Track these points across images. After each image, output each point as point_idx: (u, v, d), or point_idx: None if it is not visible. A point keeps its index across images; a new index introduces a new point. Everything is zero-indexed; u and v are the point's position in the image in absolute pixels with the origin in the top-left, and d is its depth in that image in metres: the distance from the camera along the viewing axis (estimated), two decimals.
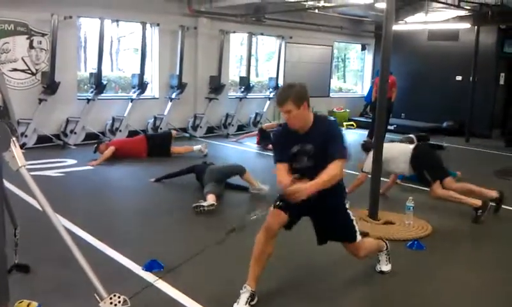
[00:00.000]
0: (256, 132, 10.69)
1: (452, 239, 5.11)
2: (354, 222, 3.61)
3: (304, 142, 3.35)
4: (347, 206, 3.59)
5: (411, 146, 6.08)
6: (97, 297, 2.32)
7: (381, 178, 5.48)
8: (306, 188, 3.14)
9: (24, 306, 3.08)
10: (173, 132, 9.14)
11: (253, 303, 3.33)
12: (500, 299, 3.79)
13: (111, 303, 2.30)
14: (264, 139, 10.07)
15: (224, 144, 10.49)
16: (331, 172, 3.21)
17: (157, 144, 8.65)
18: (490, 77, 12.68)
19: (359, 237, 3.63)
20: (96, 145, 8.29)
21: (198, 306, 3.38)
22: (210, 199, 5.61)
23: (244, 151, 9.91)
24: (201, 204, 5.48)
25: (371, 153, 5.99)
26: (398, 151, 6.08)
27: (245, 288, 3.34)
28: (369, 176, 5.63)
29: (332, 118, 12.47)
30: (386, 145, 6.05)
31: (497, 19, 11.61)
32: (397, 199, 5.96)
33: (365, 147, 6.50)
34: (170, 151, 8.63)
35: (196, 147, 8.78)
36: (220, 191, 6.06)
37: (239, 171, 6.42)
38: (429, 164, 5.85)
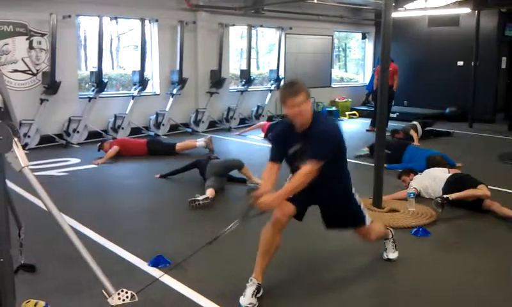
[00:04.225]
0: (259, 125, 10.67)
1: (458, 225, 5.11)
2: (362, 207, 3.64)
3: (304, 141, 3.29)
4: (353, 191, 3.61)
5: (447, 175, 5.70)
6: (105, 293, 2.32)
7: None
8: (273, 199, 3.17)
9: (31, 305, 3.10)
10: (177, 147, 8.57)
11: (258, 295, 3.33)
12: (509, 283, 3.78)
13: (119, 298, 2.29)
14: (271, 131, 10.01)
15: (227, 138, 10.47)
16: (296, 178, 3.22)
17: (158, 151, 8.50)
18: (492, 61, 12.61)
19: (369, 220, 3.65)
20: (100, 143, 8.32)
21: (204, 299, 3.39)
22: (208, 193, 5.64)
23: (246, 144, 9.89)
24: (197, 198, 5.50)
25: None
26: (435, 177, 5.80)
27: (251, 281, 3.34)
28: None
29: (333, 117, 12.42)
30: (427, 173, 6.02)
31: (498, 2, 11.54)
32: (400, 187, 5.95)
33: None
34: (174, 151, 8.51)
35: (199, 141, 8.68)
36: (220, 185, 6.08)
37: (238, 165, 6.44)
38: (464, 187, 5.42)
